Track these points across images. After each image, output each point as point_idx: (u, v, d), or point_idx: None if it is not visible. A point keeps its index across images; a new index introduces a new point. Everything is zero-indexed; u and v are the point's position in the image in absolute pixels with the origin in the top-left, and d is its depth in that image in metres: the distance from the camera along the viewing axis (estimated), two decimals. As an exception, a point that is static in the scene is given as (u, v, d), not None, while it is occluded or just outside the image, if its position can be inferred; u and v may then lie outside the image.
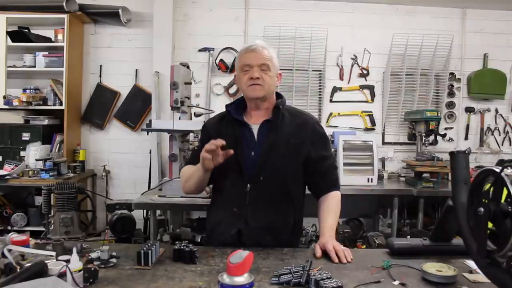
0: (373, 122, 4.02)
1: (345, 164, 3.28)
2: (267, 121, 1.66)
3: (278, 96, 1.75)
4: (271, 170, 1.61)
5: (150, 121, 2.75)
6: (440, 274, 1.21)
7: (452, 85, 4.04)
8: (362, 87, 4.01)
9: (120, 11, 3.69)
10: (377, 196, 3.68)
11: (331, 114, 3.99)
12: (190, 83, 2.88)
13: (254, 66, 1.61)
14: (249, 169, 1.61)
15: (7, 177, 3.27)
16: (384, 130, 4.04)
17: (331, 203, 1.67)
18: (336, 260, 1.39)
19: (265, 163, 1.61)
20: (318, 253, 1.45)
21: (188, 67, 2.92)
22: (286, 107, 1.72)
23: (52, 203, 2.03)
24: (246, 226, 1.59)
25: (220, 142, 1.45)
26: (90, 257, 1.31)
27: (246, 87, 1.63)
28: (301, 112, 1.78)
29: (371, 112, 4.02)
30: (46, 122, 3.65)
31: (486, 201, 1.01)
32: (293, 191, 1.67)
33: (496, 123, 4.07)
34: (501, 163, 1.00)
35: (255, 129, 1.67)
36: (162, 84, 3.67)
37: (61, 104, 3.63)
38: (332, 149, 2.97)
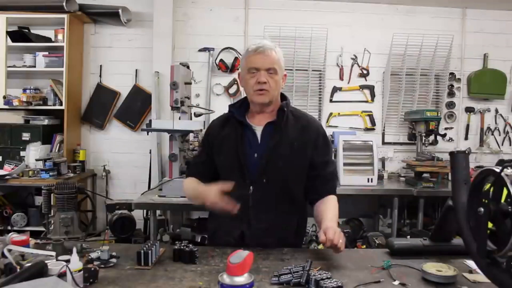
0: (373, 122, 4.02)
1: (345, 164, 3.26)
2: (271, 123, 1.64)
3: (282, 97, 1.72)
4: (274, 172, 1.59)
5: (150, 121, 2.75)
6: (440, 274, 1.21)
7: (452, 85, 4.03)
8: (362, 87, 4.01)
9: (120, 11, 3.69)
10: (377, 196, 3.68)
11: (331, 114, 3.99)
12: (190, 83, 2.88)
13: (262, 70, 1.57)
14: (252, 171, 1.58)
15: (7, 177, 3.27)
16: (384, 130, 4.04)
17: (330, 203, 1.62)
18: (328, 244, 1.33)
19: (268, 165, 1.59)
20: (322, 236, 1.36)
21: (188, 67, 2.92)
22: (290, 109, 1.69)
23: (52, 203, 2.03)
24: (249, 228, 1.58)
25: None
26: (90, 257, 1.31)
27: (253, 91, 1.60)
28: (305, 115, 1.75)
29: (371, 112, 4.01)
30: (46, 122, 3.65)
31: (486, 201, 1.01)
32: (296, 192, 1.66)
33: (496, 123, 4.07)
34: (501, 163, 1.00)
35: (258, 131, 1.64)
36: (162, 84, 3.66)
37: (61, 104, 3.63)
38: (332, 149, 2.97)
